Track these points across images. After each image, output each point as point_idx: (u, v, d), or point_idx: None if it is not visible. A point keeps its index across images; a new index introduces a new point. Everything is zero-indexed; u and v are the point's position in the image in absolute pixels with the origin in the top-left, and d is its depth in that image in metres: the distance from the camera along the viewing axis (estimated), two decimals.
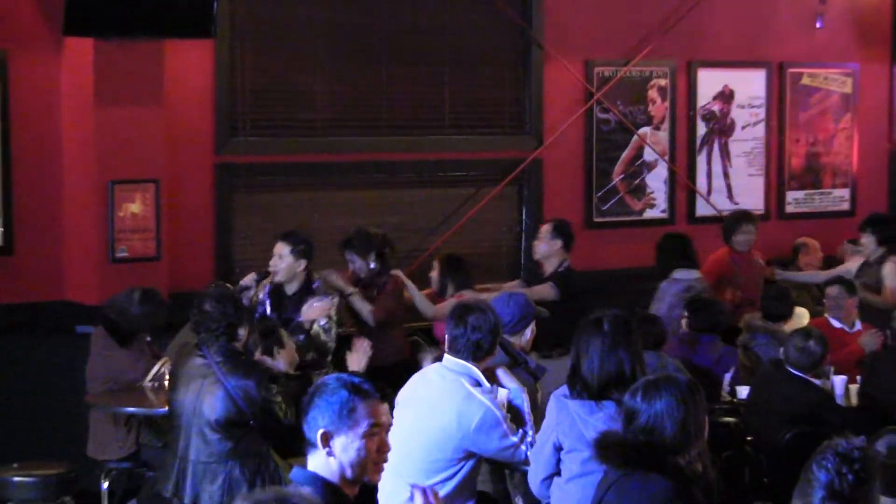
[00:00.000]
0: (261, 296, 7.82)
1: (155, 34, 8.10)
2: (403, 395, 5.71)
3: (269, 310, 7.78)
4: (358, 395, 3.76)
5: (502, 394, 5.68)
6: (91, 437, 7.20)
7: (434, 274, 8.43)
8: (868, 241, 9.16)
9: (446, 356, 5.60)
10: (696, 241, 9.22)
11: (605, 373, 5.12)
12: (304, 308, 7.63)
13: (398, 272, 8.34)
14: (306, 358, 7.44)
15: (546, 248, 8.64)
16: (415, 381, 5.63)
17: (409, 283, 8.33)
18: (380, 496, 3.95)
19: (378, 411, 3.78)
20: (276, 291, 7.82)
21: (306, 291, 7.75)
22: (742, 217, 9.48)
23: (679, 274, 8.63)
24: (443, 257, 8.56)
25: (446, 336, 5.63)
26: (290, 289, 7.78)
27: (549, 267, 8.64)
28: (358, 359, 6.80)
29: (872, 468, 3.83)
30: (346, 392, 3.75)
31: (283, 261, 7.75)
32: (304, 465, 3.82)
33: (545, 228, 8.73)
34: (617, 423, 4.85)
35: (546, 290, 8.39)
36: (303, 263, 7.77)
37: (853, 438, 3.92)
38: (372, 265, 8.17)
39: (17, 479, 6.66)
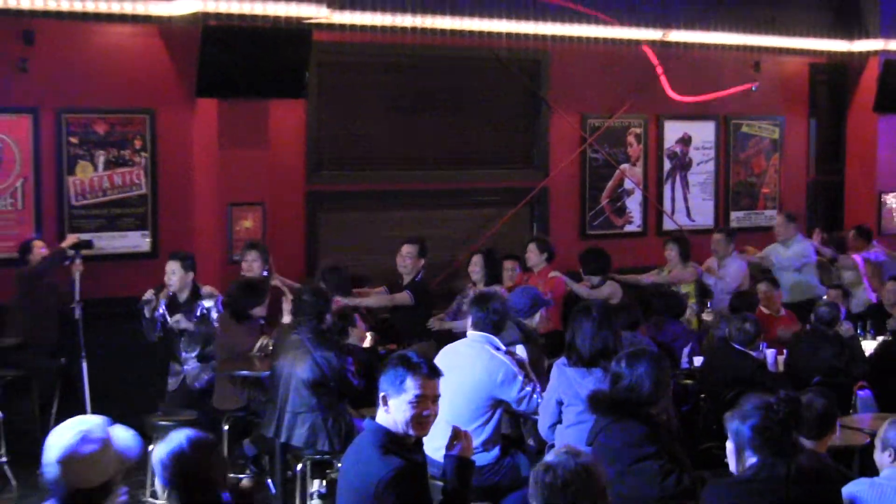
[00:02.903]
0: (160, 308, 7.30)
1: (262, 96, 8.19)
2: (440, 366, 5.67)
3: (167, 315, 7.28)
4: (409, 370, 3.72)
5: (520, 350, 5.74)
6: (215, 393, 7.20)
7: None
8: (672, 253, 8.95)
9: (470, 332, 5.53)
10: (661, 249, 9.21)
11: (594, 346, 5.13)
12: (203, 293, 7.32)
13: (277, 281, 7.60)
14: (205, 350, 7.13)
15: (412, 263, 8.00)
16: (446, 353, 5.51)
17: (287, 292, 7.47)
18: (427, 440, 3.94)
19: (425, 385, 3.70)
20: (172, 300, 7.35)
21: (195, 297, 7.34)
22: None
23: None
24: (324, 265, 7.82)
25: (470, 317, 5.53)
26: (182, 296, 7.36)
27: (407, 278, 8.04)
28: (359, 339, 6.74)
29: (797, 416, 3.83)
30: (401, 367, 3.73)
31: (176, 275, 7.33)
32: (373, 417, 3.84)
33: (413, 250, 7.99)
34: (603, 385, 4.87)
35: (404, 297, 7.93)
36: (191, 275, 7.35)
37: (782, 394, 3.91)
38: (265, 272, 7.63)
39: (160, 423, 6.67)
